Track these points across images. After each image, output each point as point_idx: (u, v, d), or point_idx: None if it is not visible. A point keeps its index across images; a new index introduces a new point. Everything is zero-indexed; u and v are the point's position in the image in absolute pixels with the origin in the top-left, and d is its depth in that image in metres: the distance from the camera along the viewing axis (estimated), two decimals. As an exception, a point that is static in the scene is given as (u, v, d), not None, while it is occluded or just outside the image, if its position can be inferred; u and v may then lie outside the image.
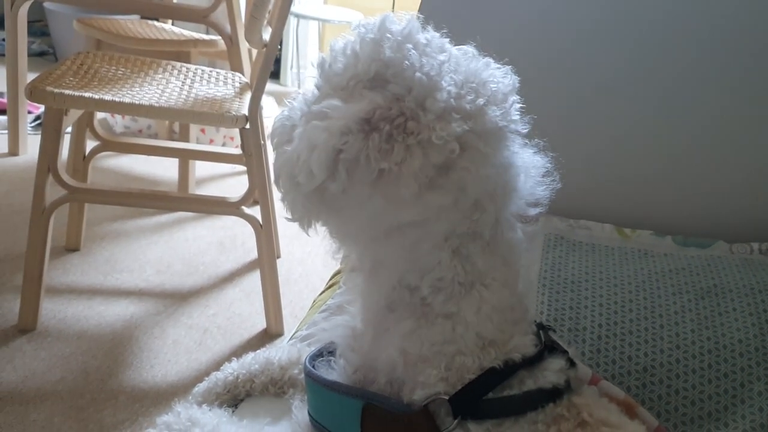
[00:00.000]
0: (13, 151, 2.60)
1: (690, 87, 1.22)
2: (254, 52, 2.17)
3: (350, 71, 0.59)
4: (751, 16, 1.17)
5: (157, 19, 2.58)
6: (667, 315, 0.96)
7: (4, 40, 4.09)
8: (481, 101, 0.58)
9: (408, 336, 0.63)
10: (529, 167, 0.64)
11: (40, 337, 1.59)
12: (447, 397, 0.60)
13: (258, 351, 0.91)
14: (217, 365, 1.57)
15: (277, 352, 0.89)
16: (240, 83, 1.78)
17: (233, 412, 0.84)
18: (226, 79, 1.81)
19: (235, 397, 0.87)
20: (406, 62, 0.57)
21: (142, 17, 2.76)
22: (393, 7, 4.25)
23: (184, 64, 1.83)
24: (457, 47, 0.63)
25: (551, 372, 0.63)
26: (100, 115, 2.70)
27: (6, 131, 2.67)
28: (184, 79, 1.73)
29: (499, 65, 0.63)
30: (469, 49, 0.64)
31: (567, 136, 1.26)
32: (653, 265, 1.09)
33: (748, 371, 0.87)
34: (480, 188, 0.59)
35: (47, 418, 1.35)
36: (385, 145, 0.55)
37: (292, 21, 4.05)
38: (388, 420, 0.62)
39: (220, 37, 2.17)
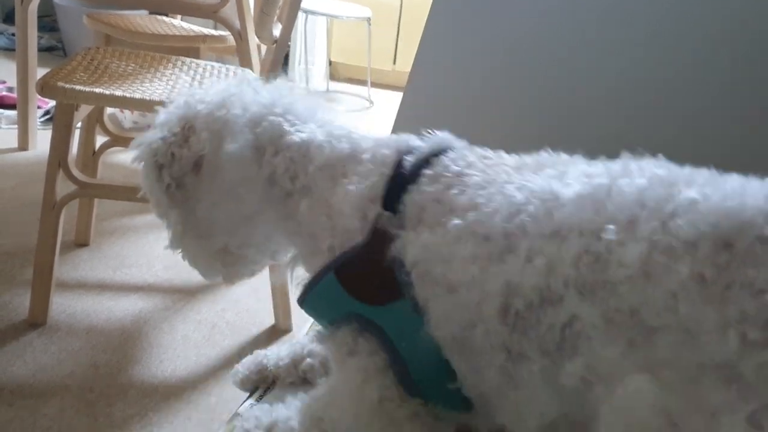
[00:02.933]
0: (23, 145, 2.61)
1: (697, 89, 1.22)
2: (263, 48, 2.17)
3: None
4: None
5: (166, 15, 2.58)
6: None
7: (13, 35, 4.12)
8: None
9: (313, 205, 0.74)
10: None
11: (50, 331, 1.60)
12: (382, 209, 0.69)
13: (288, 343, 0.95)
14: (225, 360, 1.59)
15: (302, 342, 0.94)
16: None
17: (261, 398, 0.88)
18: (235, 75, 1.81)
19: (264, 380, 0.92)
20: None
21: (151, 12, 2.76)
22: (401, 5, 4.25)
23: (194, 60, 1.84)
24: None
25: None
26: (109, 110, 2.71)
27: (15, 126, 2.68)
28: (194, 74, 1.73)
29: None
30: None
31: (572, 136, 1.26)
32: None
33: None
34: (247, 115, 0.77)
35: (57, 412, 1.36)
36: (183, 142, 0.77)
37: (300, 16, 4.05)
38: (356, 265, 0.70)
39: (229, 33, 2.17)
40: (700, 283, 0.51)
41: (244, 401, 0.88)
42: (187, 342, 1.64)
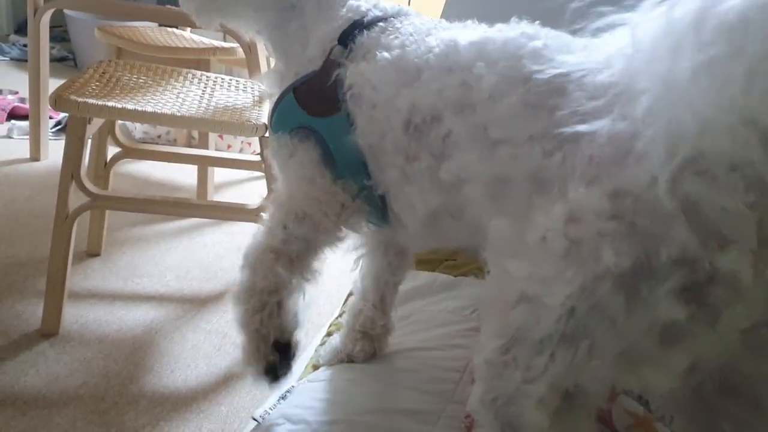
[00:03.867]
0: (35, 156, 2.63)
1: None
2: (272, 59, 2.19)
3: None
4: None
5: (176, 26, 2.61)
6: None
7: (25, 46, 4.16)
8: None
9: (299, 29, 0.96)
10: None
11: (63, 341, 1.61)
12: (336, 42, 0.89)
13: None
14: (236, 370, 1.60)
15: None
16: (259, 91, 1.81)
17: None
18: (245, 87, 1.83)
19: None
20: None
21: (161, 24, 2.78)
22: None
23: (204, 73, 1.86)
24: None
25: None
26: (120, 121, 2.74)
27: (27, 136, 2.71)
28: (204, 87, 1.75)
29: None
30: None
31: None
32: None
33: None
34: None
35: (70, 422, 1.38)
36: None
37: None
38: (309, 86, 0.90)
39: (238, 45, 2.20)
40: (523, 106, 0.70)
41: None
42: (198, 352, 1.65)
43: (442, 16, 1.42)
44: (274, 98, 0.95)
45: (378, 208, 0.91)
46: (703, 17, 0.50)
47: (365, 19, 0.91)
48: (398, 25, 0.89)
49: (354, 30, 0.89)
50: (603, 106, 0.62)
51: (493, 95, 0.73)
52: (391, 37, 0.87)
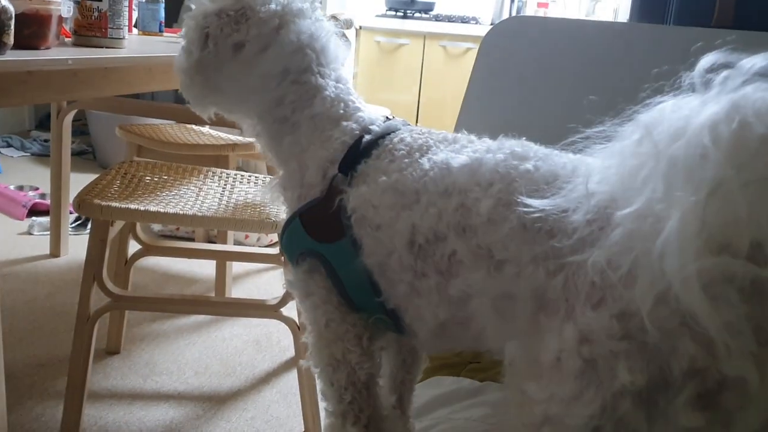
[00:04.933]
0: (55, 252, 2.66)
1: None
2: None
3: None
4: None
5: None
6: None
7: (46, 141, 4.27)
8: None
9: (294, 145, 0.98)
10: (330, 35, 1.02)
11: (82, 445, 1.59)
12: (338, 171, 0.93)
13: None
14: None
15: None
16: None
17: None
18: (264, 183, 1.86)
19: None
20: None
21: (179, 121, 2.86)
22: (419, 103, 4.36)
23: (224, 171, 1.90)
24: None
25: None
26: (138, 214, 2.77)
27: (48, 233, 2.75)
28: (224, 184, 1.79)
29: None
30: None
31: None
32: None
33: None
34: (297, 39, 0.98)
35: None
36: (234, 25, 0.97)
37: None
38: (314, 212, 0.93)
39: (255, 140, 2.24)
40: (522, 229, 0.73)
41: None
42: (218, 453, 1.62)
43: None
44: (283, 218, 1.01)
45: (391, 321, 0.94)
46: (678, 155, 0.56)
47: (361, 145, 0.94)
48: (391, 147, 0.93)
49: (352, 157, 0.93)
50: (589, 239, 0.66)
51: (492, 218, 0.76)
52: (387, 161, 0.91)
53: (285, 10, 0.99)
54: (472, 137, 0.91)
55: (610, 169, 0.64)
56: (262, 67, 0.98)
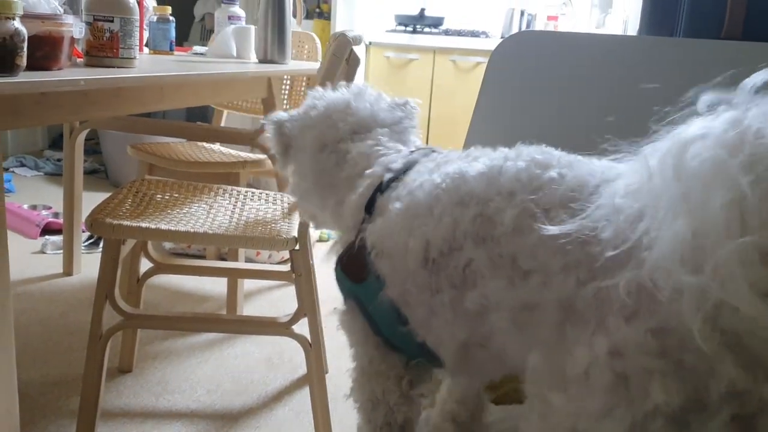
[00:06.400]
0: (68, 270, 2.67)
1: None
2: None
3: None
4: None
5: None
6: None
7: (59, 160, 4.30)
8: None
9: (339, 205, 1.07)
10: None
11: (95, 464, 1.59)
12: (366, 214, 0.98)
13: None
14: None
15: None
16: (288, 203, 1.84)
17: None
18: (274, 200, 1.86)
19: None
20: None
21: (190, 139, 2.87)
22: (429, 117, 4.36)
23: (234, 188, 1.90)
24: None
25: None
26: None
27: (61, 251, 2.76)
28: (235, 202, 1.79)
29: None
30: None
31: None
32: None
33: None
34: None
35: None
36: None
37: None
38: (346, 254, 0.99)
39: (266, 157, 2.25)
40: (552, 237, 0.69)
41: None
42: (231, 471, 1.62)
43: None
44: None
45: (430, 361, 0.95)
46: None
47: (382, 183, 0.98)
48: (405, 178, 0.96)
49: (374, 196, 0.98)
50: (623, 258, 0.63)
51: (518, 228, 0.74)
52: (399, 189, 0.94)
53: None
54: (488, 150, 0.91)
55: (641, 183, 0.61)
56: (302, 159, 1.16)
